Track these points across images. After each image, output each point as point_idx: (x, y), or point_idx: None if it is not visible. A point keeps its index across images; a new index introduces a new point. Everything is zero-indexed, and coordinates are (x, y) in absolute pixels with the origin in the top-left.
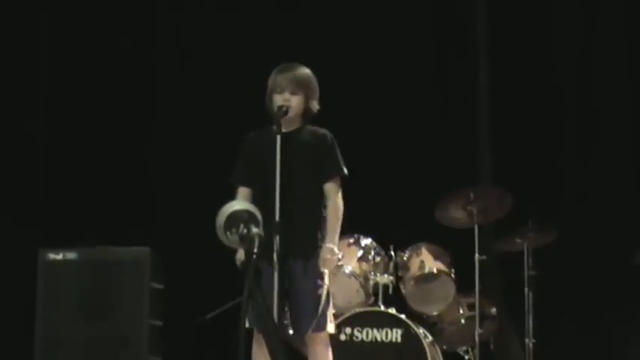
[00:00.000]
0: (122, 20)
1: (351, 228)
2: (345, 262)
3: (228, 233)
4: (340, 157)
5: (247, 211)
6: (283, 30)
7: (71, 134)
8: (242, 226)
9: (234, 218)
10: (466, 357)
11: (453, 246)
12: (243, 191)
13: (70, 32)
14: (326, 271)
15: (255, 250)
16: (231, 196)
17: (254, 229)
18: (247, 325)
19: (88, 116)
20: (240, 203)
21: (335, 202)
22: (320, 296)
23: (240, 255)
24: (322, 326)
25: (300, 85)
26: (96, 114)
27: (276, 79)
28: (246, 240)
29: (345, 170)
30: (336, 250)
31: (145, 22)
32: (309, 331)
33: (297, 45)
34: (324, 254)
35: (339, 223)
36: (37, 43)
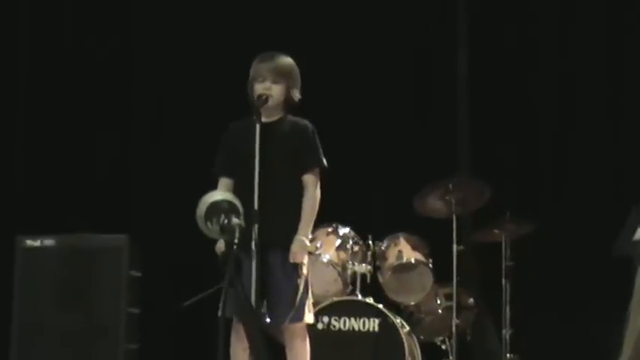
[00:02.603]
0: (100, 9)
1: (329, 217)
2: (323, 251)
3: (208, 223)
4: (320, 149)
5: (228, 201)
6: (264, 18)
7: (50, 120)
8: (223, 216)
9: (215, 208)
10: (443, 347)
11: (431, 236)
12: (224, 181)
13: (49, 22)
14: (304, 261)
15: (236, 241)
16: (211, 185)
17: (234, 220)
18: (222, 314)
19: (66, 103)
20: (220, 193)
21: (312, 193)
22: (298, 286)
23: (220, 245)
24: (300, 317)
25: (281, 75)
26: (75, 101)
27: (258, 67)
28: (226, 230)
29: (325, 162)
30: (306, 242)
31: (122, 10)
32: (287, 322)
33: (279, 34)
34: (294, 246)
35: (314, 215)
36: (15, 27)
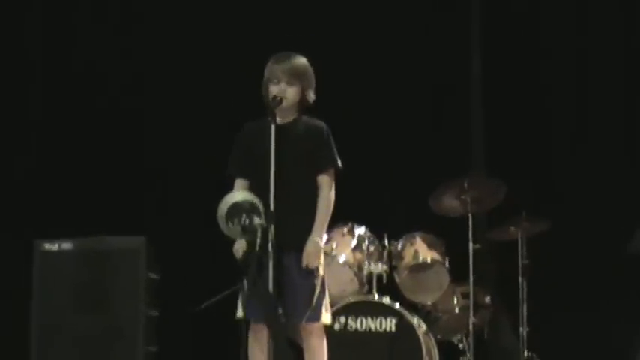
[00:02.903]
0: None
1: (345, 217)
2: (339, 252)
3: (229, 223)
4: (335, 150)
5: (249, 202)
6: (278, 18)
7: (63, 122)
8: (244, 216)
9: (236, 209)
10: (460, 345)
11: (447, 235)
12: (240, 182)
13: (61, 23)
14: (320, 262)
15: (258, 241)
16: (228, 186)
17: (256, 220)
18: (242, 315)
19: (81, 105)
20: (242, 194)
21: (327, 194)
22: (314, 286)
23: (238, 247)
24: (317, 316)
25: (296, 76)
26: (89, 103)
27: (272, 68)
28: (247, 231)
29: (340, 163)
30: (321, 243)
31: (134, 9)
32: (303, 321)
33: (293, 33)
34: (308, 247)
35: (329, 216)
36: (23, 27)
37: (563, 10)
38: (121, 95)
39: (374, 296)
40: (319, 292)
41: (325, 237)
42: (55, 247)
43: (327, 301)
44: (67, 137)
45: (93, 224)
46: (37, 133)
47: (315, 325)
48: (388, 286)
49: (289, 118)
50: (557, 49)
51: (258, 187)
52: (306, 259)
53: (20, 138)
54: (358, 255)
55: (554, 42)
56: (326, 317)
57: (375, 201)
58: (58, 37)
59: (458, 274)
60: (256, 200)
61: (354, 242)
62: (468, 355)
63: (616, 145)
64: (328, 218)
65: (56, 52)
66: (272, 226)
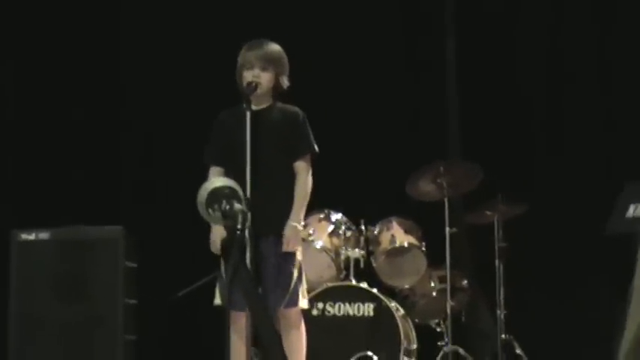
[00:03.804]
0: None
1: (321, 203)
2: (315, 237)
3: (210, 210)
4: (311, 135)
5: (229, 187)
6: (251, 4)
7: (40, 111)
8: (224, 202)
9: (216, 194)
10: (438, 329)
11: (424, 219)
12: (215, 170)
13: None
14: (298, 247)
15: (239, 227)
16: (204, 173)
17: (237, 205)
18: (220, 302)
19: (57, 93)
20: (221, 180)
21: (304, 179)
22: (292, 272)
23: (215, 237)
24: (295, 302)
25: (270, 62)
26: (65, 91)
27: (246, 55)
28: (229, 216)
29: (316, 148)
30: (299, 228)
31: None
32: (281, 307)
33: (268, 20)
34: (287, 232)
35: (306, 201)
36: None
37: None
38: (97, 83)
39: (351, 281)
40: (297, 277)
41: (302, 222)
42: (32, 237)
43: (304, 286)
44: (41, 126)
45: (69, 214)
46: (11, 121)
47: (293, 310)
48: (365, 271)
49: (264, 105)
50: (531, 30)
51: (234, 174)
52: (286, 244)
53: None
54: (335, 240)
55: (529, 25)
56: (303, 303)
57: (351, 187)
58: (30, 21)
59: (435, 259)
60: (236, 186)
61: (331, 228)
62: (446, 338)
63: (592, 127)
64: (306, 203)
65: (28, 37)
66: (249, 213)
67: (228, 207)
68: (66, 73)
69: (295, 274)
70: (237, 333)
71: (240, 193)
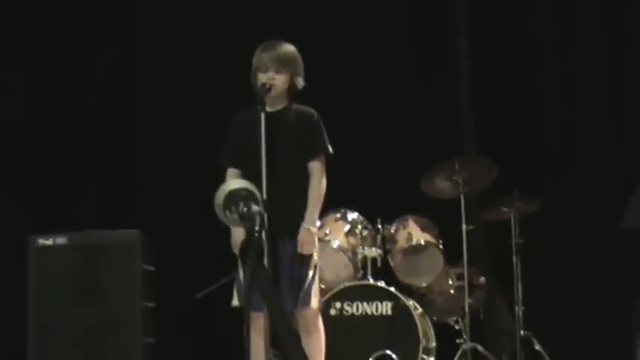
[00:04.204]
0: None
1: (337, 203)
2: (332, 237)
3: (227, 212)
4: (325, 136)
5: (246, 189)
6: (265, 7)
7: (56, 114)
8: (242, 204)
9: (234, 197)
10: (456, 327)
11: (440, 217)
12: (232, 172)
13: (51, 25)
14: (315, 248)
15: (257, 228)
16: (220, 175)
17: (254, 207)
18: (237, 303)
19: (72, 99)
20: (238, 181)
21: (318, 180)
22: (307, 273)
23: (237, 238)
24: (307, 301)
25: (284, 63)
26: (80, 98)
27: (260, 57)
28: (246, 218)
29: (331, 149)
30: (313, 230)
31: (122, 9)
32: (297, 307)
33: (279, 21)
34: (302, 236)
35: (320, 202)
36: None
37: None
38: (113, 86)
39: (369, 280)
40: (311, 277)
41: (318, 223)
42: (49, 242)
43: (316, 287)
44: (57, 130)
45: (86, 218)
46: (27, 127)
47: (309, 310)
48: (383, 269)
49: (279, 106)
50: (544, 25)
51: (250, 176)
52: (300, 247)
53: (11, 131)
54: (352, 240)
55: (541, 17)
56: (314, 302)
57: (367, 186)
58: (45, 29)
59: (452, 256)
60: (253, 187)
61: (347, 227)
62: (465, 336)
63: (606, 122)
64: (320, 204)
65: (43, 46)
66: (265, 215)
67: (245, 209)
68: (81, 76)
69: (310, 274)
70: (256, 333)
71: (258, 194)
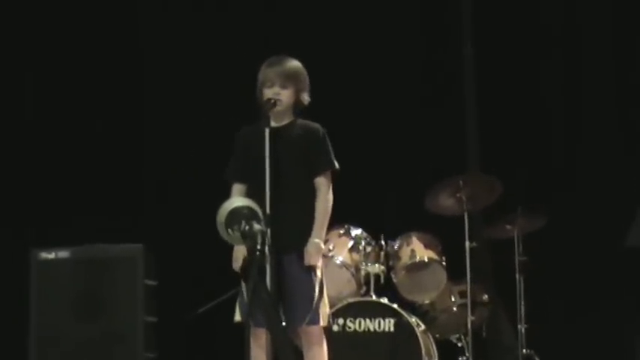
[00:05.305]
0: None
1: (340, 219)
2: (335, 253)
3: (229, 230)
4: (331, 151)
5: (248, 208)
6: (271, 22)
7: (59, 126)
8: (244, 222)
9: (236, 215)
10: (459, 344)
11: (443, 234)
12: (237, 187)
13: (57, 33)
14: (319, 264)
15: (259, 247)
16: (224, 190)
17: (256, 226)
18: (239, 319)
19: (77, 112)
20: (240, 199)
21: (325, 196)
22: (313, 289)
23: (238, 255)
24: (316, 320)
25: (289, 79)
26: (85, 110)
27: (266, 72)
28: (248, 236)
29: (336, 164)
30: (321, 245)
31: (129, 20)
32: (303, 325)
33: (287, 36)
34: (309, 249)
35: (327, 217)
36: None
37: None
38: (119, 99)
39: (372, 297)
40: (318, 295)
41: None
42: (51, 255)
43: (325, 305)
44: (60, 143)
45: (89, 232)
46: (31, 141)
47: (315, 327)
48: (386, 286)
49: (285, 121)
50: (550, 42)
51: (256, 191)
52: (307, 259)
53: (15, 144)
54: (355, 256)
55: (549, 36)
56: (322, 321)
57: (370, 202)
58: (53, 38)
59: (455, 273)
60: (255, 206)
61: (351, 243)
62: (467, 353)
63: (611, 139)
64: (327, 220)
65: (47, 58)
66: (269, 230)
67: (247, 227)
68: (88, 89)
69: (317, 292)
70: (259, 348)
71: (260, 213)
